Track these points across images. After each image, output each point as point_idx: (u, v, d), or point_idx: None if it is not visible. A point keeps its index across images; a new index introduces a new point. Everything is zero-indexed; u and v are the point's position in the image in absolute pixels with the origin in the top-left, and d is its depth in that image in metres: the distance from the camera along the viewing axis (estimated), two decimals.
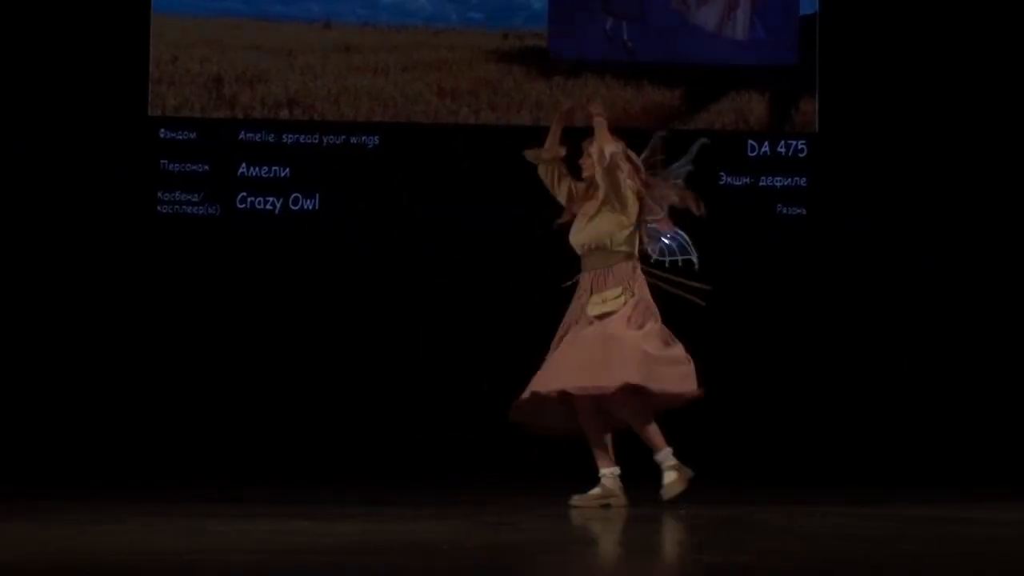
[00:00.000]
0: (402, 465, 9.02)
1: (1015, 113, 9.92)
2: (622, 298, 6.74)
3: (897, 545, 5.29)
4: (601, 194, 6.72)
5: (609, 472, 6.73)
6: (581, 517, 6.36)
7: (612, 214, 6.77)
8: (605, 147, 6.70)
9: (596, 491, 6.70)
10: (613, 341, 6.60)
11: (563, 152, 6.95)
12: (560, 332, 6.80)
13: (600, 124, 6.84)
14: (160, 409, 9.41)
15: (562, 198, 6.92)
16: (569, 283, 7.01)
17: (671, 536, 5.78)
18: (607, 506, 6.64)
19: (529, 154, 7.00)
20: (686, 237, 7.16)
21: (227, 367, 9.45)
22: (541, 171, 6.97)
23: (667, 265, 7.24)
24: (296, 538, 5.36)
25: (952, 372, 9.79)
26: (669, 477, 6.59)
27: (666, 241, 7.09)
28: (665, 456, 6.61)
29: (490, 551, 5.01)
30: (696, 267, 7.03)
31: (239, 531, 5.59)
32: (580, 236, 6.77)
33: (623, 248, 6.77)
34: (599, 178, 6.69)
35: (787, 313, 9.83)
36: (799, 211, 9.95)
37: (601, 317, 6.68)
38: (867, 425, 9.70)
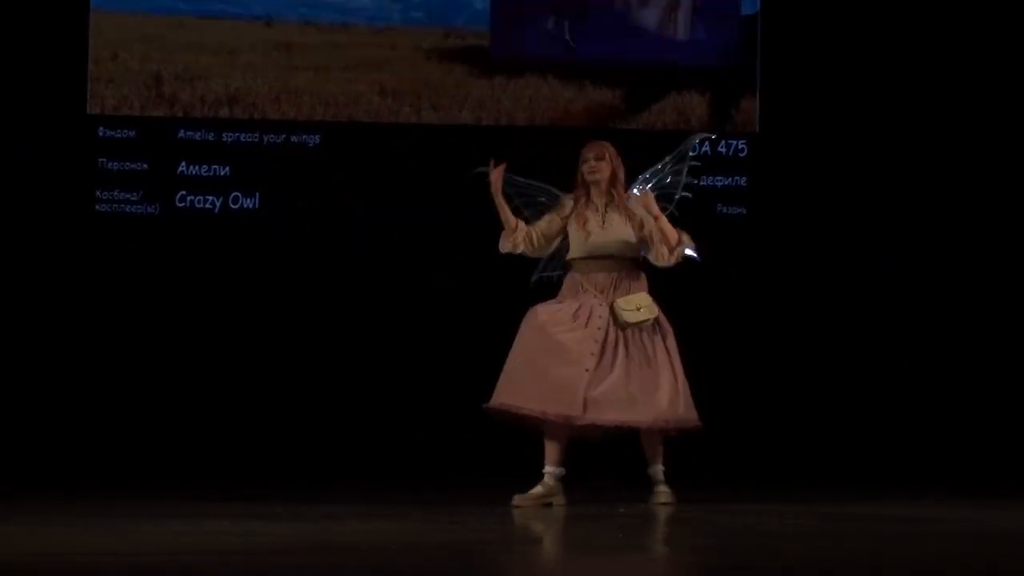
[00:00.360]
0: (366, 467, 9.00)
1: (953, 110, 9.97)
2: (654, 307, 7.01)
3: (840, 543, 5.34)
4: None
5: (554, 471, 6.79)
6: (524, 516, 6.39)
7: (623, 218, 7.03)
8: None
9: (538, 490, 6.75)
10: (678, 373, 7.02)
11: (519, 222, 7.10)
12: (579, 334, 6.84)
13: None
14: (98, 408, 9.34)
15: (559, 235, 7.11)
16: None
17: (616, 534, 5.79)
18: (548, 504, 6.67)
19: (506, 246, 7.11)
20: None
21: (164, 365, 9.41)
22: (527, 251, 7.11)
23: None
24: (237, 539, 5.36)
25: (900, 369, 9.85)
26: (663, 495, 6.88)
27: None
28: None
29: (434, 550, 5.04)
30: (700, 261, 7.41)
31: (176, 532, 5.59)
32: (603, 237, 6.99)
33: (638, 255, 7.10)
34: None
35: (727, 313, 9.85)
36: (739, 211, 9.97)
37: (639, 324, 6.88)
38: (818, 424, 9.72)
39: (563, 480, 6.81)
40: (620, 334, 6.84)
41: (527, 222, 7.16)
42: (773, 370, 9.85)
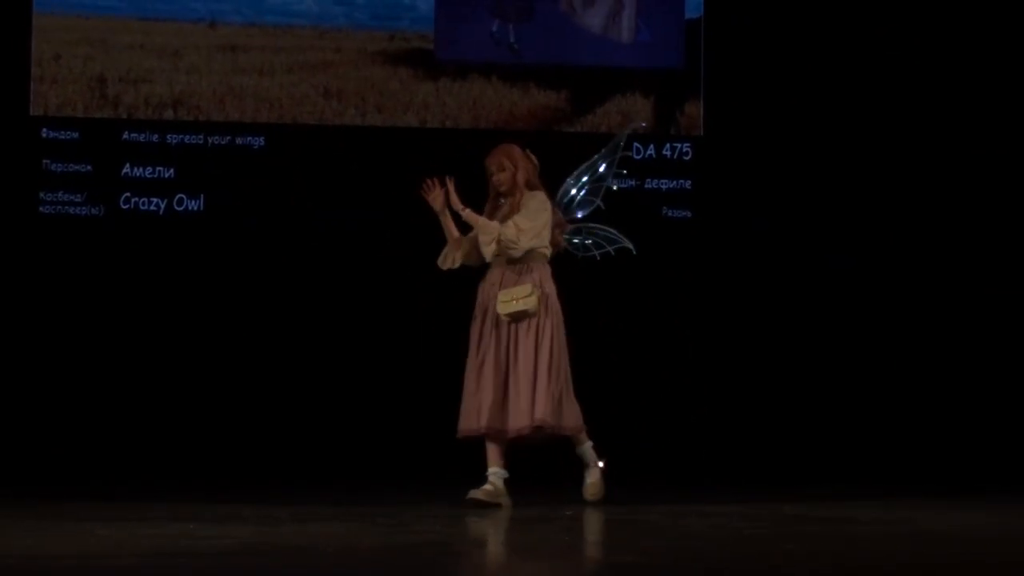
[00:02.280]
0: (319, 469, 9.02)
1: (894, 110, 10.08)
2: (533, 297, 7.09)
3: (777, 544, 5.42)
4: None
5: (499, 472, 6.93)
6: (474, 519, 6.47)
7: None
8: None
9: (488, 488, 6.89)
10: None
11: (460, 235, 7.30)
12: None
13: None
14: (38, 410, 9.32)
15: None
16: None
17: (556, 537, 5.84)
18: (497, 506, 6.79)
19: (446, 263, 7.35)
20: (611, 230, 7.73)
21: (109, 367, 9.38)
22: (474, 256, 7.29)
23: (598, 258, 7.82)
24: (171, 542, 5.37)
25: (841, 369, 9.93)
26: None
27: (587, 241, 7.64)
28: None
29: (371, 554, 5.06)
30: (634, 252, 7.74)
31: (126, 535, 5.59)
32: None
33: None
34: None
35: (673, 317, 9.91)
36: (685, 214, 10.01)
37: (510, 315, 7.02)
38: (759, 424, 9.81)
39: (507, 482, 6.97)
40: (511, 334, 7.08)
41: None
42: (718, 370, 9.93)
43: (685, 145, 10.05)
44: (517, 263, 7.15)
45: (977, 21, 10.17)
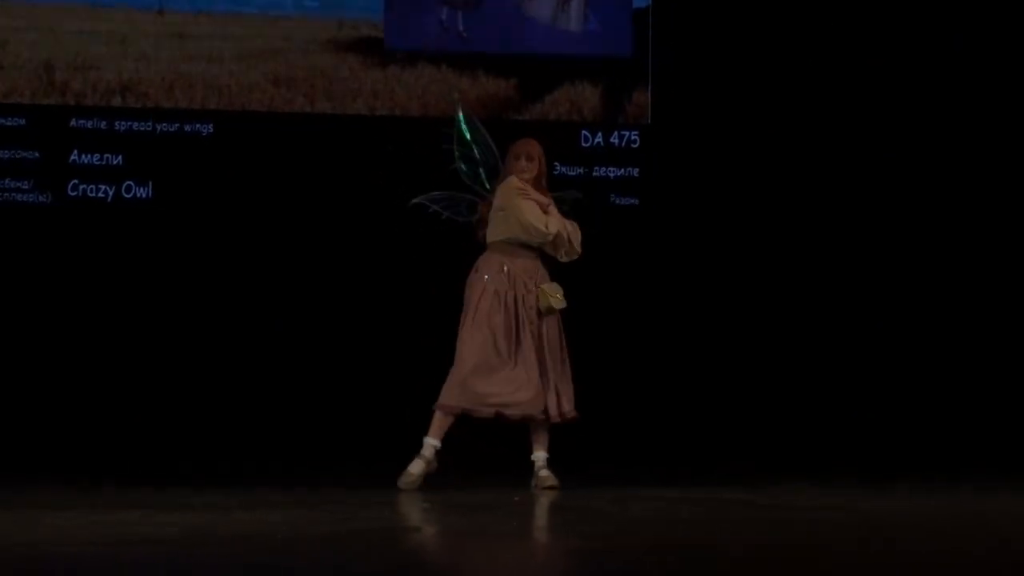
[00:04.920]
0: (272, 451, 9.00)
1: (838, 99, 10.20)
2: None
3: (713, 526, 5.65)
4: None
5: (435, 443, 7.17)
6: (424, 505, 6.60)
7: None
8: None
9: (420, 462, 7.14)
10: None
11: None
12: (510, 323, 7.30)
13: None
14: None
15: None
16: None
17: (504, 523, 5.94)
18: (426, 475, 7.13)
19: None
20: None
21: (54, 354, 9.41)
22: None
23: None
24: (116, 529, 5.44)
25: (787, 352, 10.03)
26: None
27: None
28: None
29: (320, 541, 5.14)
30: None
31: (75, 523, 5.64)
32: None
33: None
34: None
35: (620, 302, 9.97)
36: (632, 201, 10.12)
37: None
38: (704, 408, 9.89)
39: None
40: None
41: (466, 226, 7.65)
42: (664, 355, 9.99)
43: (633, 133, 10.16)
44: (531, 251, 7.50)
45: (921, 8, 10.33)
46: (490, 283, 7.33)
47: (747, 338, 10.10)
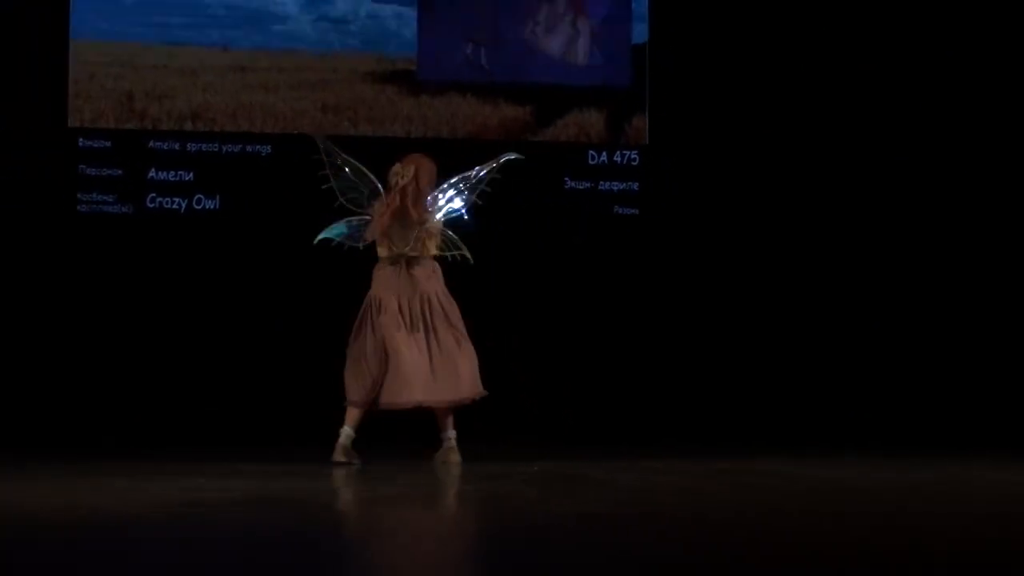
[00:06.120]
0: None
1: (813, 120, 10.61)
2: None
3: (708, 494, 5.90)
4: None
5: (350, 432, 7.61)
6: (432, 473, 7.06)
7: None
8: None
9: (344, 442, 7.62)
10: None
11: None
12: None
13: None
14: (77, 384, 9.81)
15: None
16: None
17: (514, 490, 6.20)
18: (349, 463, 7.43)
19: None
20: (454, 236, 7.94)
21: (141, 346, 9.89)
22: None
23: (449, 260, 7.96)
24: (181, 495, 5.79)
25: (774, 340, 10.45)
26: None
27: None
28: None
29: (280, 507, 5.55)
30: (471, 262, 7.94)
31: (142, 489, 6.04)
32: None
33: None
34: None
35: (623, 298, 10.47)
36: (632, 211, 10.54)
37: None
38: (698, 396, 10.32)
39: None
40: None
41: (342, 206, 7.88)
42: (661, 349, 10.46)
43: (633, 153, 10.57)
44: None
45: (904, 24, 10.66)
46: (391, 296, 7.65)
47: (742, 336, 10.47)
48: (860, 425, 10.04)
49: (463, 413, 7.83)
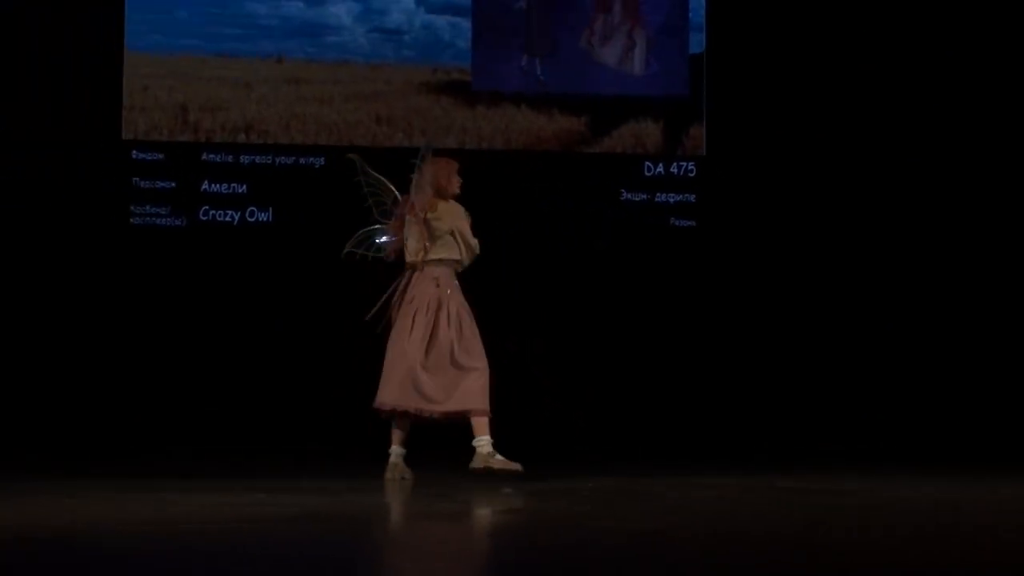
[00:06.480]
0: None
1: (871, 130, 10.61)
2: None
3: (768, 513, 5.84)
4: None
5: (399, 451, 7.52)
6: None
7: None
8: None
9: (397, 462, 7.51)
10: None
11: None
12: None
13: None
14: (131, 394, 9.87)
15: None
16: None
17: (577, 506, 6.21)
18: (404, 479, 7.38)
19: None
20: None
21: (193, 359, 9.94)
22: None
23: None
24: (240, 510, 5.82)
25: (826, 356, 10.43)
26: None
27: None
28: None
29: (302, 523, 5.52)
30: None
31: (200, 504, 6.02)
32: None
33: None
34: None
35: (680, 312, 10.46)
36: (689, 223, 10.52)
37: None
38: (756, 409, 10.31)
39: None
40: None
41: (375, 222, 7.74)
42: (720, 361, 10.44)
43: (690, 164, 10.58)
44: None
45: (960, 34, 10.66)
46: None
47: (792, 343, 10.46)
48: (907, 440, 10.13)
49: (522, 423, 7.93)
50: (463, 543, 5.18)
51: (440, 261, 7.52)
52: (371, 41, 10.53)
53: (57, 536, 5.08)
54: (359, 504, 6.30)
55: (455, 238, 7.51)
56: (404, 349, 7.40)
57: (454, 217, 7.53)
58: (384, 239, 7.70)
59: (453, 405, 7.38)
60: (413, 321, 7.44)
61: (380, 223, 7.75)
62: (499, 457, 7.34)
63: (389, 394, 7.41)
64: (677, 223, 10.60)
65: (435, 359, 7.39)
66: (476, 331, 7.49)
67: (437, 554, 4.81)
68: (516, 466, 7.29)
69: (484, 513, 6.21)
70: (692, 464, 8.64)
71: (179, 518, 5.59)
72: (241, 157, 10.32)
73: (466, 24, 10.59)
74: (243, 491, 6.61)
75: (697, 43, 10.72)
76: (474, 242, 7.55)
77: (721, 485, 7.07)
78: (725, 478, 7.47)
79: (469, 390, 7.36)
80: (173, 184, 10.21)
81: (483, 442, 7.34)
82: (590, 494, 6.71)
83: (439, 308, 7.44)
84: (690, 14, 10.72)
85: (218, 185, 10.26)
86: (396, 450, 7.52)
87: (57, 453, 9.08)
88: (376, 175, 7.77)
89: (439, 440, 7.56)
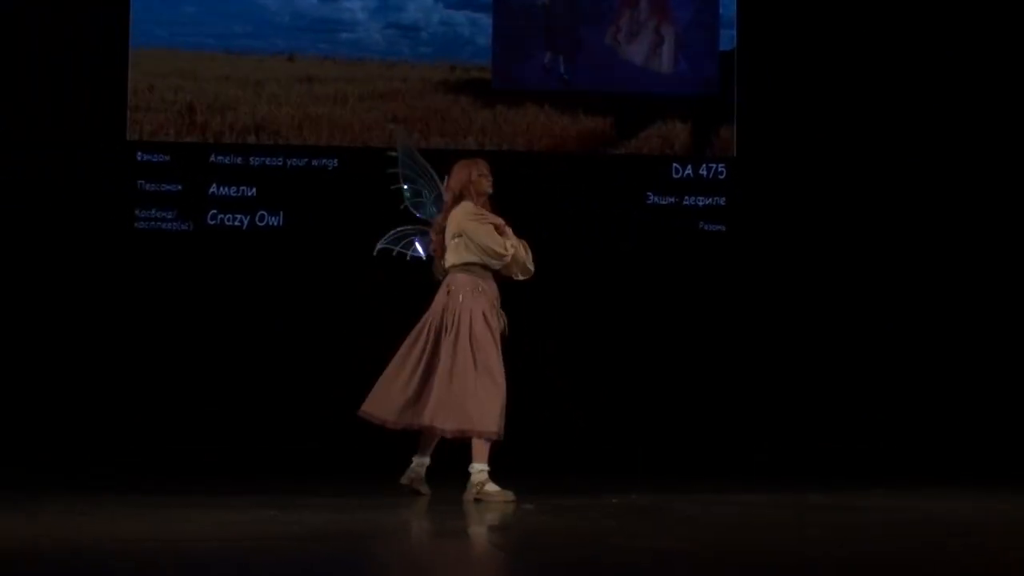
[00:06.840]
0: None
1: (906, 132, 10.45)
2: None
3: (799, 531, 5.78)
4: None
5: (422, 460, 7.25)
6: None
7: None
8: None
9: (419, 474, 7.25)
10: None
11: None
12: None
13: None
14: (139, 405, 9.74)
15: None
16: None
17: (601, 523, 6.12)
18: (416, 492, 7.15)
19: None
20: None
21: (201, 370, 9.80)
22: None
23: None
24: (247, 528, 5.74)
25: (859, 365, 10.30)
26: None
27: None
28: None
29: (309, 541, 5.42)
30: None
31: (216, 521, 5.94)
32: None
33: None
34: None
35: (709, 320, 10.30)
36: (719, 228, 10.35)
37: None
38: (785, 420, 10.14)
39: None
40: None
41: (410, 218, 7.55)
42: (750, 368, 10.28)
43: (720, 166, 10.40)
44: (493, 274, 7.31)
45: (990, 43, 10.53)
46: (477, 306, 7.10)
47: (824, 351, 10.30)
48: (940, 452, 10.01)
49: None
50: (481, 562, 5.11)
51: (453, 267, 7.24)
52: (387, 38, 10.36)
53: (57, 551, 5.03)
54: (371, 522, 6.16)
55: (464, 240, 7.21)
56: (400, 363, 7.19)
57: (459, 219, 7.25)
58: (419, 247, 7.54)
59: (452, 424, 7.01)
60: (420, 333, 7.19)
61: (414, 216, 7.60)
62: (492, 487, 6.98)
63: (373, 405, 7.16)
64: (706, 227, 10.43)
65: (431, 373, 7.10)
66: (492, 344, 7.09)
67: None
68: (509, 496, 6.93)
69: (503, 530, 6.08)
70: (718, 478, 8.54)
71: (191, 535, 5.55)
72: (251, 159, 10.15)
73: (486, 20, 10.40)
74: (252, 507, 6.50)
75: (727, 39, 10.56)
76: (485, 239, 7.17)
77: (747, 503, 6.99)
78: (752, 495, 7.35)
79: (470, 409, 6.98)
80: (180, 187, 10.06)
81: (476, 469, 7.01)
82: (615, 510, 6.60)
83: (442, 317, 7.14)
84: (720, 9, 10.55)
85: (226, 188, 10.10)
86: (417, 459, 7.27)
87: (60, 461, 9.04)
88: (425, 163, 7.60)
89: (459, 456, 7.27)
